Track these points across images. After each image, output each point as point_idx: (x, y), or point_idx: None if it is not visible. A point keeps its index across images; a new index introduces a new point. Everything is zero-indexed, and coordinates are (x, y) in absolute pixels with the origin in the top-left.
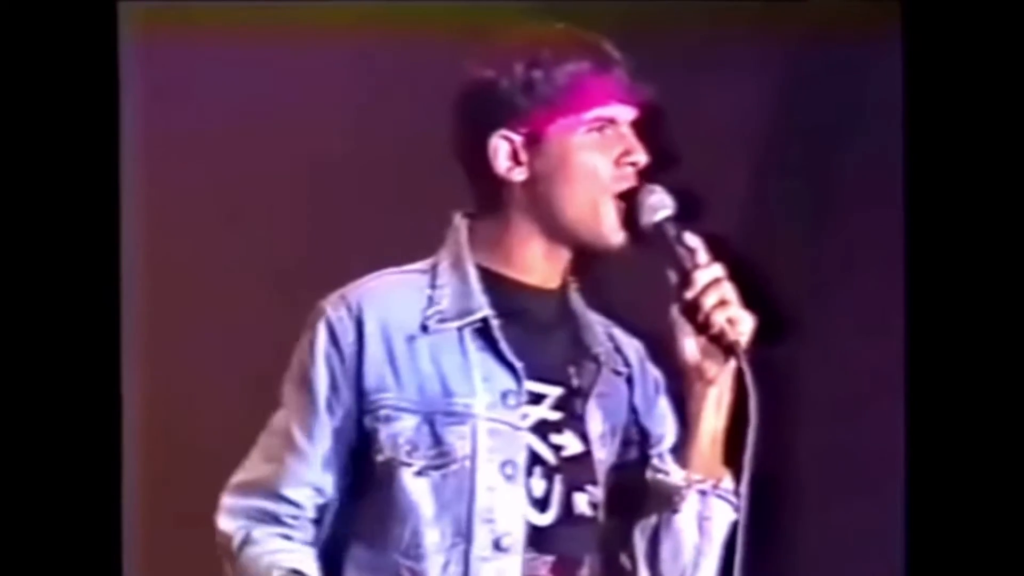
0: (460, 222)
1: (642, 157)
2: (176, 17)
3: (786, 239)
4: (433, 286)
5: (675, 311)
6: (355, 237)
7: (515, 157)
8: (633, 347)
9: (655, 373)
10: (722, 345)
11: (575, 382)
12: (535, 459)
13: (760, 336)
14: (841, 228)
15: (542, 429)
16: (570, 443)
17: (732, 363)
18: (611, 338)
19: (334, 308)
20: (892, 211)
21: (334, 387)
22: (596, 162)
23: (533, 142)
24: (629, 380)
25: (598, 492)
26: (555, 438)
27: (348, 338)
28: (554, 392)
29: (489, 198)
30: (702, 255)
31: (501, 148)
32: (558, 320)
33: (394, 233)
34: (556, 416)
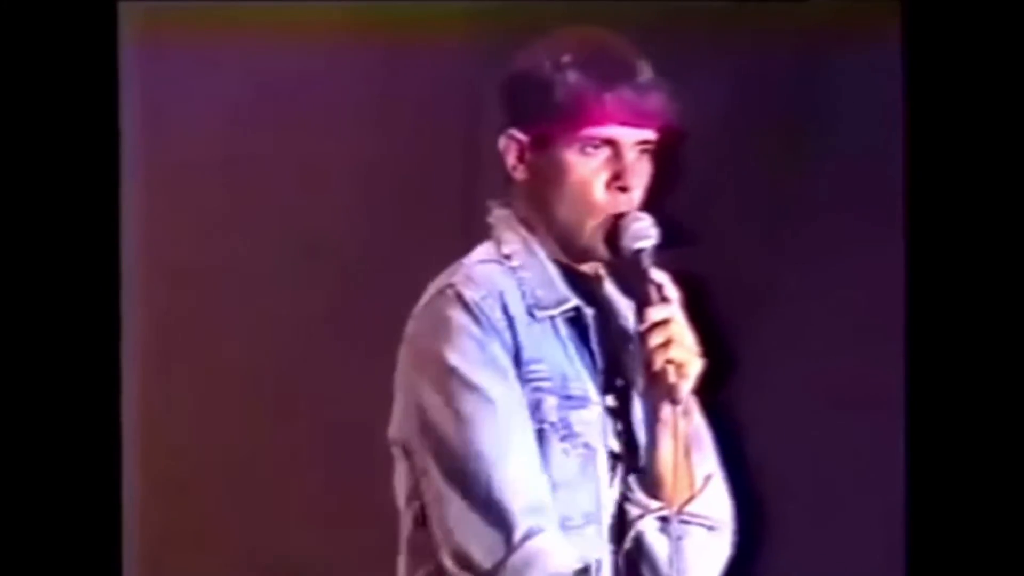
0: (502, 210)
1: (634, 183)
2: (176, 17)
3: (785, 240)
4: (516, 275)
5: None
6: (354, 236)
7: (520, 157)
8: None
9: None
10: (662, 386)
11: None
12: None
13: (706, 382)
14: (840, 229)
15: (612, 415)
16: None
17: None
18: None
19: (469, 288)
20: (892, 212)
21: (508, 363)
22: (588, 181)
23: (537, 146)
24: None
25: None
26: (619, 425)
27: (495, 314)
28: (619, 382)
29: (510, 191)
30: (668, 291)
31: (509, 147)
32: (618, 310)
33: (394, 232)
34: (616, 404)
